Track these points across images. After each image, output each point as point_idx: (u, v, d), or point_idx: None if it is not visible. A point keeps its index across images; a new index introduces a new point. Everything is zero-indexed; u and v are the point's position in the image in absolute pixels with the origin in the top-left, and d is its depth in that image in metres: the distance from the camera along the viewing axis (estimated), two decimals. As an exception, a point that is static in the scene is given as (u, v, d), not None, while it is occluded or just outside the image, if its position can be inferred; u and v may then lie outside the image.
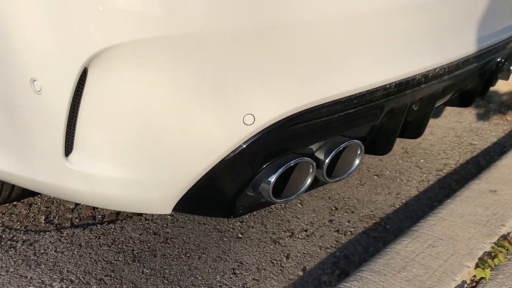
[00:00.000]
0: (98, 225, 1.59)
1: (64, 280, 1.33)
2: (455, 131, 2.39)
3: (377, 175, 1.93)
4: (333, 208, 1.69)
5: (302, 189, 1.06)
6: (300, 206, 1.70)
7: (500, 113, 2.60)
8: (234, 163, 0.95)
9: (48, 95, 0.93)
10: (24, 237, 1.53)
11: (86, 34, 0.85)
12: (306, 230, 1.56)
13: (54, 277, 1.34)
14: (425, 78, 1.18)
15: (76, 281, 1.33)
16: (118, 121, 0.91)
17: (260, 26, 0.87)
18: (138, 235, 1.53)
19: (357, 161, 1.15)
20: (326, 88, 0.96)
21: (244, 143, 0.93)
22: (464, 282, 1.12)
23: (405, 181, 1.88)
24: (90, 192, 1.03)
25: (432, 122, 2.50)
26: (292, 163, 1.00)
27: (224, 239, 1.51)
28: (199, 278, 1.34)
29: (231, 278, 1.34)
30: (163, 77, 0.87)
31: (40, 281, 1.32)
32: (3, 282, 1.31)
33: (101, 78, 0.87)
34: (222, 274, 1.36)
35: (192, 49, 0.84)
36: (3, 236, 1.53)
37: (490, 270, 1.14)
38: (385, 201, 1.74)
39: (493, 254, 1.20)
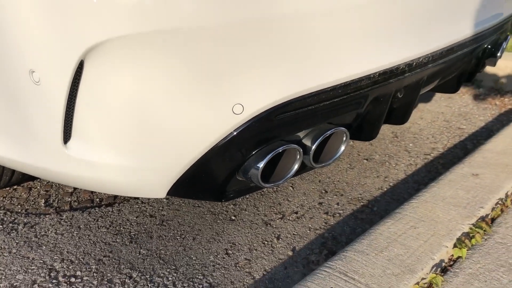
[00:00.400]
0: (96, 208, 1.65)
1: (65, 261, 1.39)
2: (444, 115, 2.44)
3: (366, 159, 1.99)
4: (323, 191, 1.76)
5: (290, 174, 1.11)
6: (291, 189, 1.76)
7: (489, 98, 2.65)
8: (224, 150, 1.01)
9: (46, 86, 0.97)
10: (25, 220, 1.59)
11: (81, 28, 0.89)
12: (296, 212, 1.63)
13: (55, 257, 1.41)
14: (409, 67, 1.23)
15: (76, 261, 1.39)
16: (114, 111, 0.96)
17: (248, 19, 0.91)
18: (135, 218, 1.60)
19: (342, 147, 1.21)
20: (312, 79, 1.01)
21: (234, 131, 0.98)
22: (442, 261, 1.19)
23: (394, 165, 1.95)
24: (87, 177, 1.09)
25: (422, 106, 2.55)
26: (280, 149, 1.06)
27: (218, 221, 1.58)
28: (193, 258, 1.41)
29: (224, 258, 1.41)
30: (157, 69, 0.92)
31: (41, 261, 1.39)
32: (6, 262, 1.38)
33: (97, 70, 0.92)
34: (216, 254, 1.43)
35: (184, 42, 0.89)
36: (5, 219, 1.59)
37: (467, 250, 1.21)
38: (373, 184, 1.80)
39: (471, 234, 1.26)
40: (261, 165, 1.04)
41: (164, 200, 1.69)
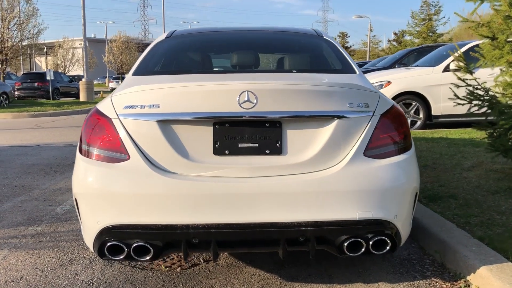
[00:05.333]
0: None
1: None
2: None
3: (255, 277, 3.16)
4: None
5: (119, 258, 2.81)
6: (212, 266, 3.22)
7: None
8: (100, 235, 2.83)
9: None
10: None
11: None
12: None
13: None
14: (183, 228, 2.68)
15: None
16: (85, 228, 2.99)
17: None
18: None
19: (148, 257, 2.78)
20: (131, 217, 2.72)
21: (101, 230, 2.81)
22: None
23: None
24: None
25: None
26: (113, 244, 2.78)
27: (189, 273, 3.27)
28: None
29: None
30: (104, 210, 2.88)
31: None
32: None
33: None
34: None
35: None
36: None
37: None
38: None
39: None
40: (107, 245, 2.81)
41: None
